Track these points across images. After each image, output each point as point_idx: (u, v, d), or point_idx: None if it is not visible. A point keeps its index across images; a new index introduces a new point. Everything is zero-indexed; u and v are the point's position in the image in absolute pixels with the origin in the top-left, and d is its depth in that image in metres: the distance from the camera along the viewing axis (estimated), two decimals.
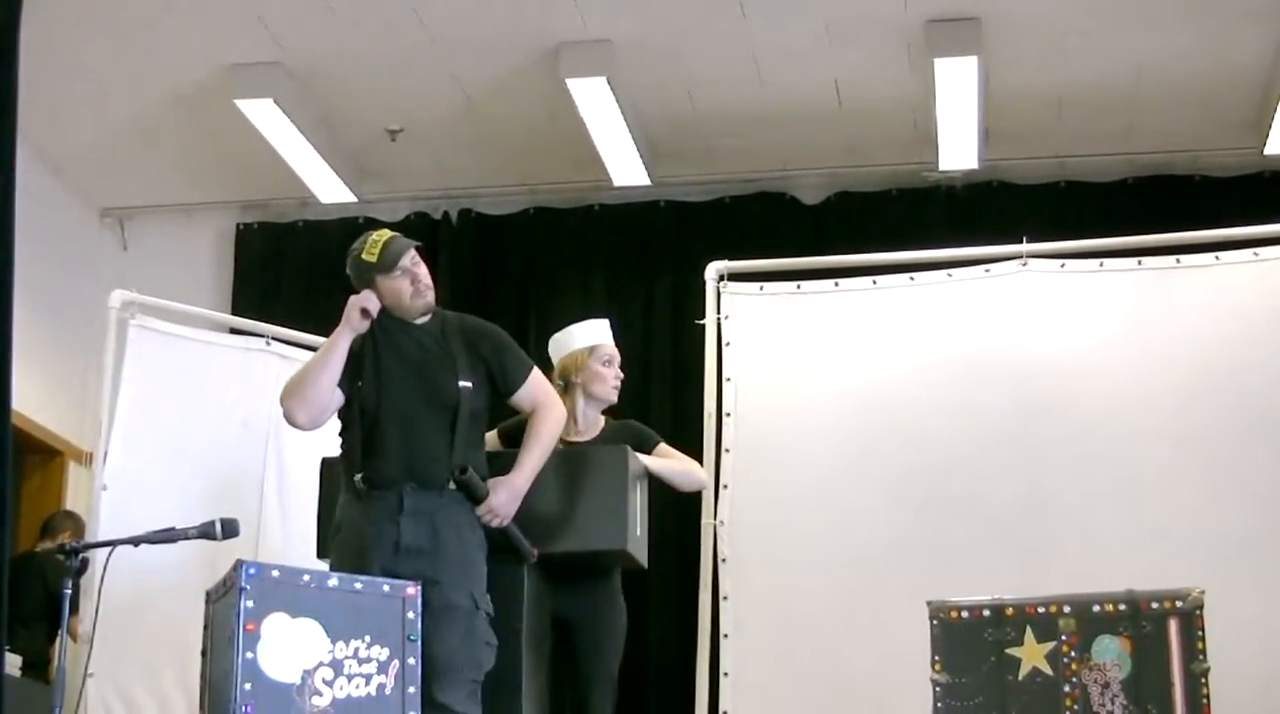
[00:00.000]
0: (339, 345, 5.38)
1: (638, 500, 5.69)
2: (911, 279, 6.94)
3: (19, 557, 8.66)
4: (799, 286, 7.03)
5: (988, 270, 6.86)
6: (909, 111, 9.13)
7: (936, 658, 5.06)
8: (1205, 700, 4.80)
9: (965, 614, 5.07)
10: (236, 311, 9.54)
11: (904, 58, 8.59)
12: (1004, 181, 9.70)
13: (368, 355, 5.41)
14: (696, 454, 6.57)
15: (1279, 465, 6.36)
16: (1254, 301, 6.59)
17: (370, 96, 9.13)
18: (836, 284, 7.01)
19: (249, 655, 4.53)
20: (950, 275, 6.90)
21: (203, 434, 7.29)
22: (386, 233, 5.60)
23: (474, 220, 10.26)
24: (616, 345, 6.23)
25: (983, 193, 9.67)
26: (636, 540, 5.65)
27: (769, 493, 6.74)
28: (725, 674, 6.57)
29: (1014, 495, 6.47)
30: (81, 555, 5.07)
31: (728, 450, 6.78)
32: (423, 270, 5.50)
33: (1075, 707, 4.89)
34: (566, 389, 6.03)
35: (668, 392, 9.46)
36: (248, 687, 4.50)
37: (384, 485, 5.27)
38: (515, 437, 5.81)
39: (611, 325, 6.30)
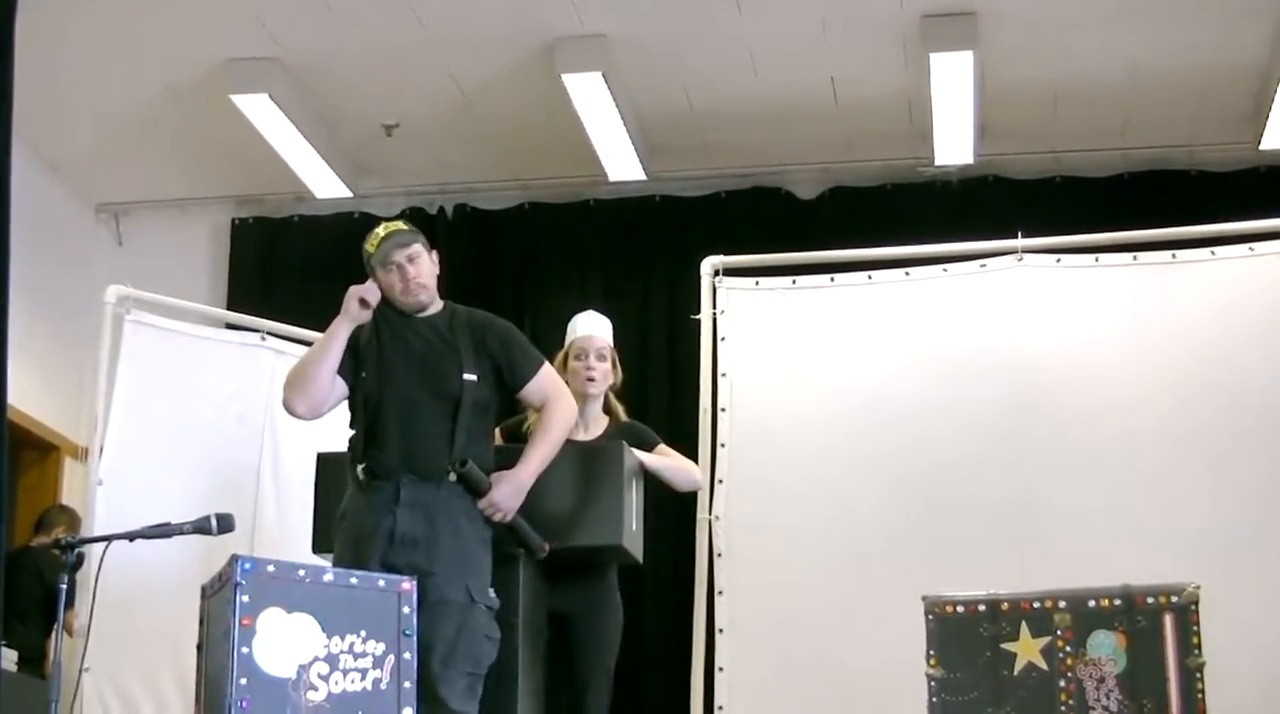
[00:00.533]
0: (338, 335, 5.38)
1: (633, 496, 5.69)
2: (907, 274, 6.95)
3: (14, 551, 8.67)
4: (794, 282, 7.04)
5: (983, 265, 6.86)
6: (904, 107, 9.13)
7: (932, 653, 5.06)
8: (1200, 695, 4.81)
9: (960, 609, 5.07)
10: (232, 307, 9.54)
11: (899, 53, 8.59)
12: (999, 176, 9.70)
13: (372, 346, 5.41)
14: (692, 449, 6.57)
15: (1274, 461, 6.37)
16: (1250, 297, 6.60)
17: (366, 92, 9.13)
18: (832, 279, 7.02)
19: (244, 650, 4.53)
20: (946, 270, 6.91)
21: (198, 429, 7.29)
22: (395, 225, 5.59)
23: (470, 216, 10.27)
24: (614, 341, 6.19)
25: (978, 188, 9.68)
26: (632, 536, 5.65)
27: (764, 488, 6.75)
28: (720, 669, 6.57)
29: (1009, 491, 6.48)
30: (77, 550, 5.07)
31: (723, 445, 6.78)
32: (416, 267, 5.44)
33: (1070, 702, 4.89)
34: None
35: (663, 387, 9.45)
36: (243, 681, 4.50)
37: (384, 476, 5.27)
38: (516, 434, 5.80)
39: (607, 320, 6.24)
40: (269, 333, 7.59)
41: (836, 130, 9.45)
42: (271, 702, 4.53)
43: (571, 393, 5.73)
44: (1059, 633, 4.96)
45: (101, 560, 5.11)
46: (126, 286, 7.23)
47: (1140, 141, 9.44)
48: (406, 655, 4.75)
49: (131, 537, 5.15)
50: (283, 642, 4.60)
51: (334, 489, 5.58)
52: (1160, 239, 6.85)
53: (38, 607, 8.34)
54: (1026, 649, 4.97)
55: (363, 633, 4.71)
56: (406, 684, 4.73)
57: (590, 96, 8.75)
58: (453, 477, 5.25)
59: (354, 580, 4.83)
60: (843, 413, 6.80)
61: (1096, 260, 6.79)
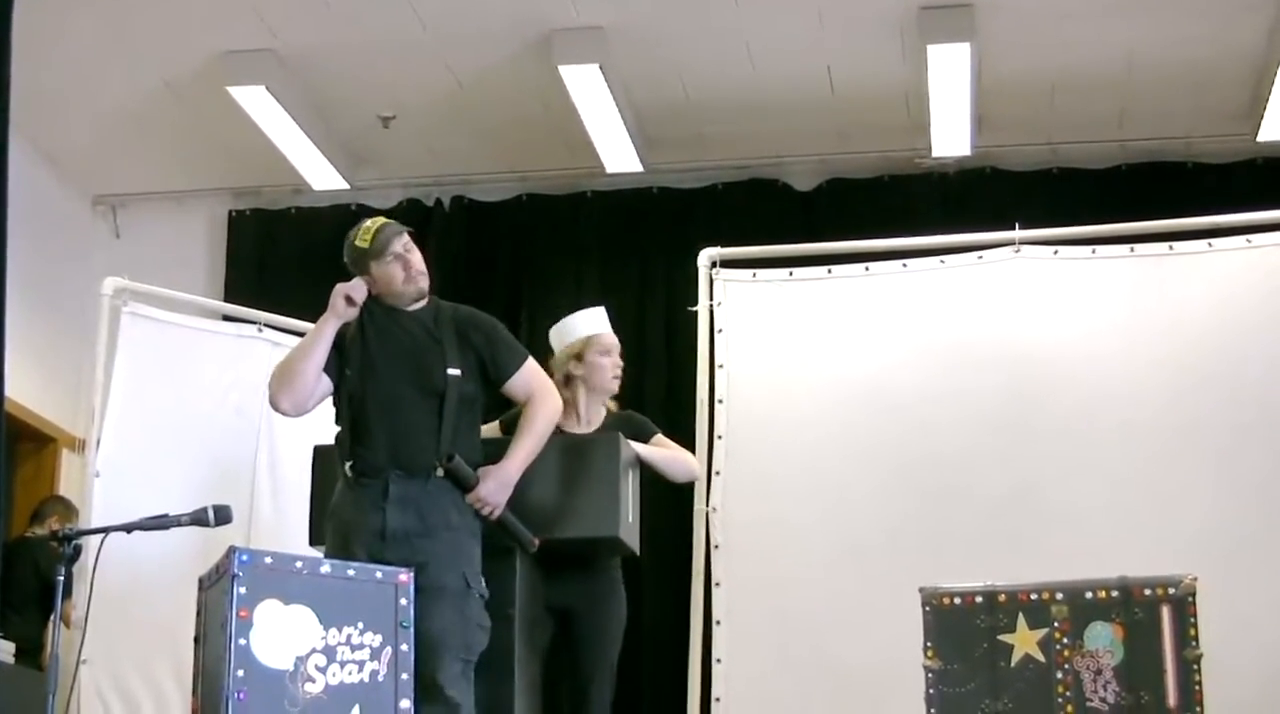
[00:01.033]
0: (324, 332, 5.40)
1: (630, 487, 5.69)
2: (904, 266, 6.95)
3: (11, 543, 8.67)
4: (791, 273, 7.04)
5: (980, 257, 6.87)
6: (902, 98, 9.12)
7: (929, 645, 5.06)
8: (1197, 687, 4.80)
9: (958, 601, 5.07)
10: (229, 299, 9.52)
11: (897, 44, 8.59)
12: (997, 168, 9.70)
13: (357, 343, 5.42)
14: (689, 441, 6.57)
15: (1271, 453, 6.36)
16: (1247, 289, 6.60)
17: (363, 83, 9.13)
18: (829, 271, 7.02)
19: (242, 642, 4.53)
20: (943, 262, 6.90)
21: (195, 421, 7.28)
22: (380, 220, 5.60)
23: (466, 207, 10.27)
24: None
25: (975, 179, 9.67)
26: (629, 527, 5.64)
27: (762, 480, 6.75)
28: (718, 661, 6.58)
29: (1007, 482, 6.48)
30: (74, 542, 5.07)
31: (720, 437, 6.79)
32: (415, 256, 5.50)
33: (1067, 693, 4.89)
34: (567, 382, 5.99)
35: (660, 379, 9.44)
36: (241, 673, 4.50)
37: (371, 473, 5.28)
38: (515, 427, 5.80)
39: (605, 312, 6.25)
40: (266, 325, 7.58)
41: (833, 122, 9.45)
42: (269, 693, 4.53)
43: (588, 389, 5.91)
44: (1056, 625, 4.95)
45: (99, 552, 5.12)
46: (123, 279, 7.22)
47: (1138, 133, 9.44)
48: (404, 647, 4.76)
49: (129, 528, 5.15)
50: (280, 633, 4.61)
51: (330, 481, 5.57)
52: (1158, 231, 6.85)
53: (34, 598, 8.34)
54: (1024, 641, 4.97)
55: (360, 625, 4.72)
56: (404, 676, 4.74)
57: (587, 88, 8.75)
58: (440, 472, 5.25)
59: (351, 572, 4.84)
60: (840, 405, 6.80)
61: (1094, 252, 6.79)
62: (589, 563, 5.80)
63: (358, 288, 5.42)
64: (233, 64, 8.74)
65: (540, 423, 5.47)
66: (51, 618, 5.29)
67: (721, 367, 6.90)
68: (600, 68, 8.56)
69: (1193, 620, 4.86)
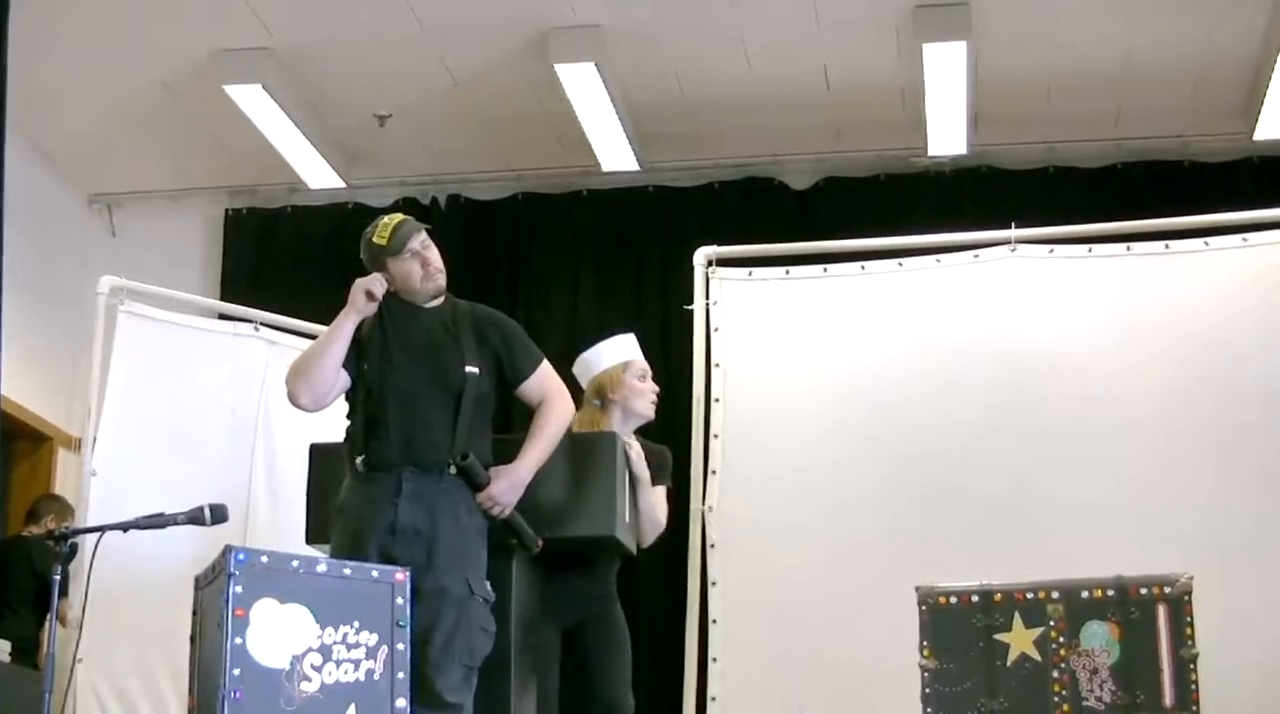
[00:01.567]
0: (344, 327, 5.37)
1: (627, 487, 5.68)
2: (900, 264, 6.94)
3: (7, 542, 8.67)
4: (788, 272, 7.04)
5: (976, 256, 6.86)
6: (898, 96, 9.13)
7: (925, 643, 5.06)
8: (1194, 686, 4.81)
9: (954, 600, 5.07)
10: (225, 297, 9.53)
11: (893, 42, 8.59)
12: (993, 166, 9.71)
13: (375, 338, 5.41)
14: (685, 439, 6.58)
15: (1268, 452, 6.36)
16: (1244, 288, 6.59)
17: (359, 82, 9.13)
18: (825, 269, 7.02)
19: (238, 641, 4.52)
20: (939, 261, 6.90)
21: (192, 420, 7.28)
22: (398, 216, 5.59)
23: (463, 206, 10.27)
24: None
25: (971, 178, 9.69)
26: (625, 527, 5.64)
27: (757, 478, 6.75)
28: (713, 660, 6.58)
29: (1002, 481, 6.48)
30: (70, 541, 5.07)
31: (716, 436, 6.79)
32: (433, 254, 5.48)
33: (1063, 692, 4.89)
34: (603, 407, 5.97)
35: (656, 378, 9.40)
36: (236, 672, 4.49)
37: (384, 468, 5.26)
38: None
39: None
40: (262, 323, 7.58)
41: (830, 120, 9.46)
42: (265, 692, 4.53)
43: (625, 413, 5.94)
44: (1052, 623, 4.95)
45: (95, 551, 5.11)
46: (120, 277, 7.22)
47: (1134, 132, 9.45)
48: (400, 646, 4.75)
49: (125, 527, 5.15)
50: (276, 632, 4.60)
51: (327, 480, 5.56)
52: (1154, 230, 6.85)
53: (31, 597, 8.34)
54: (1020, 640, 4.97)
55: (356, 624, 4.71)
56: (400, 675, 4.73)
57: (583, 86, 8.75)
58: (453, 469, 5.25)
59: (347, 571, 4.83)
60: (836, 404, 6.80)
61: (1090, 251, 6.78)
62: (589, 579, 5.77)
63: (378, 283, 5.39)
64: (229, 62, 8.73)
65: (553, 426, 5.46)
66: (48, 617, 5.30)
67: (718, 365, 6.90)
68: (596, 66, 8.57)
69: (1189, 619, 4.86)
